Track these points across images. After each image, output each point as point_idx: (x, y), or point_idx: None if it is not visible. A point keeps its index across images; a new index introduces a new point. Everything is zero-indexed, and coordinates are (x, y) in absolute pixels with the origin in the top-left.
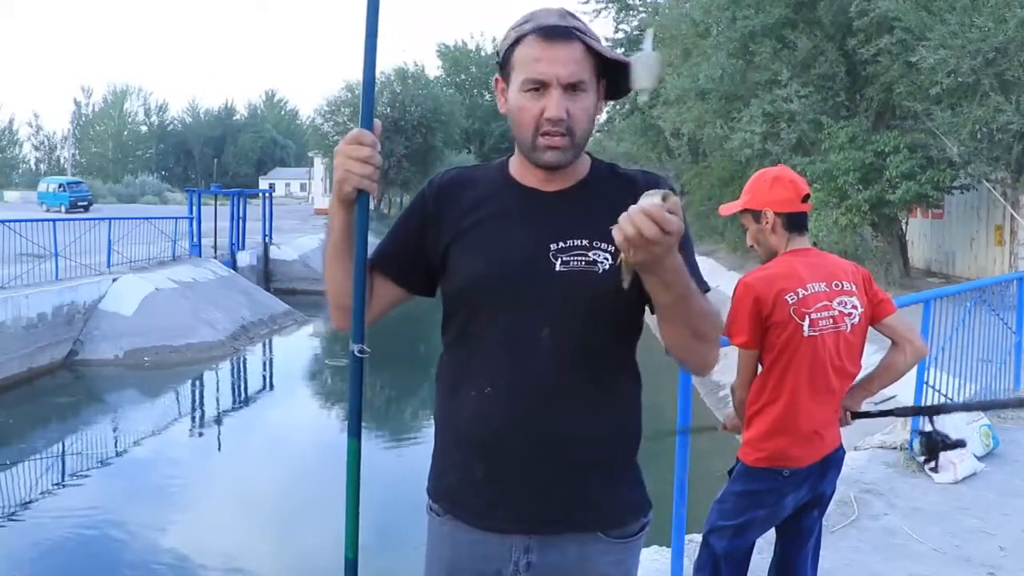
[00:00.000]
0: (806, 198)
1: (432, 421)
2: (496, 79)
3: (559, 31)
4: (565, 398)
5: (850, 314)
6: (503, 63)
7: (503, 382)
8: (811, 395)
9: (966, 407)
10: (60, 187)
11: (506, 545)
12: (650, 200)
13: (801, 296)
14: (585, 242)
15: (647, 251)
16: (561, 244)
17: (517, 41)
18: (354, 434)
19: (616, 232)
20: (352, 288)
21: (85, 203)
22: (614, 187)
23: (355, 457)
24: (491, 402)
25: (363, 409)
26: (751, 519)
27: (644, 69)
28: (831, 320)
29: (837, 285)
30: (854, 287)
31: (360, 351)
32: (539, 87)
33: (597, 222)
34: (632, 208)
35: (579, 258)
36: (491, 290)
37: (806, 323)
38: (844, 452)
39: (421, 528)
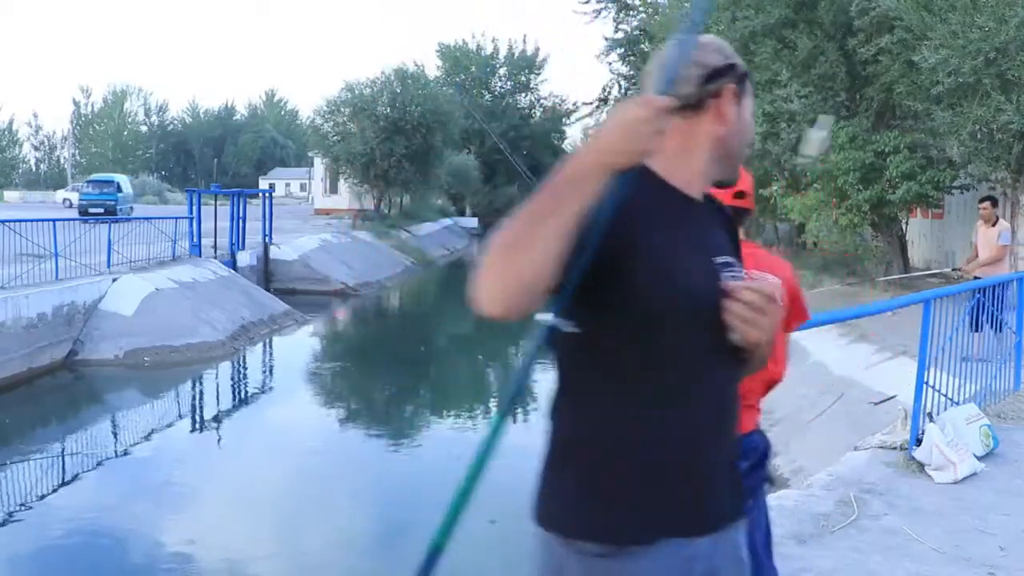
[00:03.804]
0: (740, 195)
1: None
2: (731, 86)
3: None
4: (732, 406)
5: None
6: (741, 78)
7: (695, 396)
8: None
9: None
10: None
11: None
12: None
13: None
14: (731, 259)
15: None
16: (719, 259)
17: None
18: (504, 411)
19: (746, 324)
20: (553, 267)
21: (100, 210)
22: (712, 204)
23: (496, 435)
24: (686, 418)
25: (366, 408)
26: None
27: (814, 143)
28: None
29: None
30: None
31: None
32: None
33: (723, 235)
34: (749, 291)
35: (731, 273)
36: (679, 303)
37: None
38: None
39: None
